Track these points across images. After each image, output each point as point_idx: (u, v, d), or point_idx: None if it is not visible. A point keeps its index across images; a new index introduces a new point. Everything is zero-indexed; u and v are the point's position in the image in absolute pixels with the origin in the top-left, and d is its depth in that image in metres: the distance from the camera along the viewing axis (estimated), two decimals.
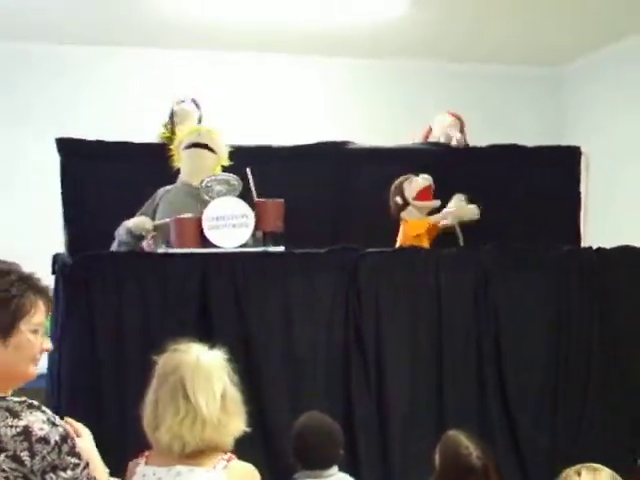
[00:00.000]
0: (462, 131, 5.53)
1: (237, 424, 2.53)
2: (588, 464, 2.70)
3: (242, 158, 4.48)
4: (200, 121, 5.12)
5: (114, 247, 4.33)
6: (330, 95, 7.43)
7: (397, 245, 4.75)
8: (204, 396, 2.48)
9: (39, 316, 2.21)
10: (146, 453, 2.58)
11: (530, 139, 5.60)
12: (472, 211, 4.88)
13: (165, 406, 2.52)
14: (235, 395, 2.57)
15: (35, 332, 2.20)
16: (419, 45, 7.13)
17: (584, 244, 5.24)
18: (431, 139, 5.60)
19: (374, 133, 5.79)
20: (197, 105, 5.17)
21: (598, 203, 5.77)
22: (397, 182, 4.88)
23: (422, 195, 4.84)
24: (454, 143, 5.40)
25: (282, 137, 5.50)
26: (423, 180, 4.86)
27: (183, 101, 5.18)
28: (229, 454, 2.54)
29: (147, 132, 5.14)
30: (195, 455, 2.48)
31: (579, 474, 2.62)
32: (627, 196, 6.92)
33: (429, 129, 5.58)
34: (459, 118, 5.56)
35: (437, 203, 4.86)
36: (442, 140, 5.50)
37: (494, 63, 7.63)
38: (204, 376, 2.52)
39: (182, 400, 2.49)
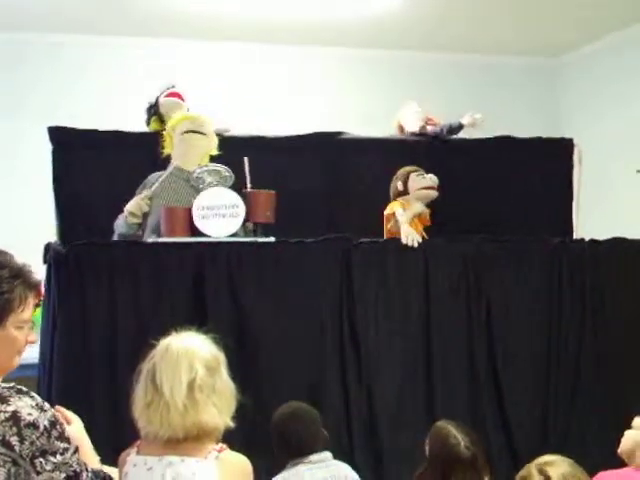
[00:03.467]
0: (425, 117, 5.51)
1: (211, 415, 2.47)
2: (545, 459, 2.70)
3: (237, 148, 4.47)
4: (188, 109, 5.09)
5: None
6: (327, 86, 7.42)
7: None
8: (169, 380, 2.47)
9: (27, 312, 2.19)
10: (138, 442, 2.57)
11: (525, 131, 5.60)
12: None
13: (138, 391, 2.54)
14: (210, 386, 2.50)
15: (20, 328, 2.18)
16: (415, 37, 7.13)
17: (576, 236, 5.24)
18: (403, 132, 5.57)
19: (370, 124, 5.77)
20: (182, 99, 5.12)
21: (591, 195, 5.78)
22: (405, 170, 4.90)
23: None
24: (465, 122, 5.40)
25: (277, 127, 5.49)
26: (431, 181, 4.89)
27: (169, 89, 5.11)
28: (220, 445, 2.53)
29: (143, 121, 5.14)
30: (183, 444, 2.47)
31: (546, 476, 2.62)
32: (620, 188, 6.93)
33: (399, 125, 5.55)
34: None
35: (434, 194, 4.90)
36: (411, 131, 5.48)
37: (490, 55, 7.63)
38: (172, 361, 2.51)
39: (150, 384, 2.51)
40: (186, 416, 2.44)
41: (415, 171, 4.90)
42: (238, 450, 2.60)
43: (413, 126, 5.42)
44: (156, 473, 2.46)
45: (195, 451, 2.47)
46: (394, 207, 4.76)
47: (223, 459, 2.48)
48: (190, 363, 2.51)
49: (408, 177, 4.89)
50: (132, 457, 2.53)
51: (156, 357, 2.54)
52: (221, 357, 2.62)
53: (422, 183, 4.87)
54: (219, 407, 2.50)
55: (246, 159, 4.20)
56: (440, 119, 5.57)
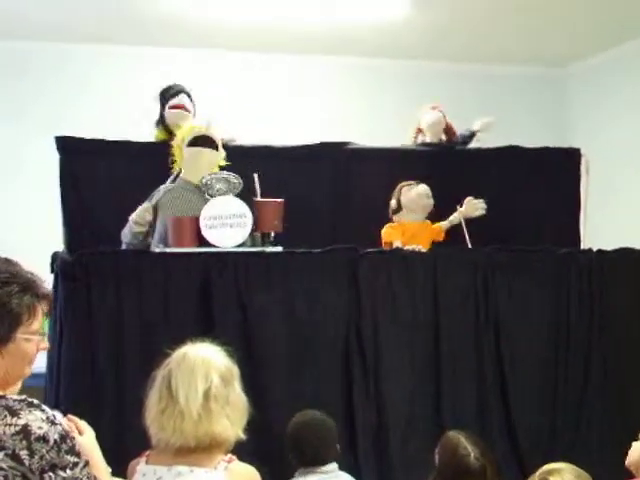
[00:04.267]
0: (446, 124, 5.51)
1: (223, 426, 2.48)
2: (549, 467, 2.69)
3: (243, 157, 4.48)
4: (195, 114, 5.09)
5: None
6: (331, 95, 7.43)
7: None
8: (184, 389, 2.48)
9: (36, 324, 2.19)
10: (147, 452, 2.57)
11: (532, 140, 5.59)
12: (476, 206, 4.94)
13: (152, 397, 2.55)
14: (224, 397, 2.51)
15: (30, 340, 2.18)
16: (421, 45, 7.13)
17: (584, 246, 5.23)
18: (420, 138, 5.57)
19: (375, 133, 5.78)
20: (190, 97, 5.09)
21: (598, 205, 5.77)
22: (398, 186, 4.91)
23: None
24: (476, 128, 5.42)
25: (283, 136, 5.50)
26: (422, 190, 4.89)
27: (173, 95, 5.07)
28: (229, 455, 2.52)
29: (147, 131, 5.14)
30: (193, 454, 2.47)
31: None
32: (628, 198, 6.92)
33: (418, 129, 5.56)
34: (441, 111, 5.54)
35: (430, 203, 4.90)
36: (429, 139, 5.48)
37: (496, 64, 7.63)
38: (188, 370, 2.52)
39: (165, 391, 2.52)
40: (199, 425, 2.44)
41: (406, 185, 4.91)
42: (244, 460, 2.59)
43: (433, 137, 5.44)
44: None
45: (204, 461, 2.47)
46: (388, 236, 4.81)
47: (232, 470, 2.48)
48: (206, 372, 2.52)
49: (400, 192, 4.91)
50: (141, 466, 2.53)
51: (172, 364, 2.55)
52: (235, 370, 2.63)
53: (412, 194, 4.87)
54: (232, 419, 2.51)
55: (256, 175, 4.20)
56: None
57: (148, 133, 5.10)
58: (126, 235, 4.33)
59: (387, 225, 4.91)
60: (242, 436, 2.55)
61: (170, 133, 4.80)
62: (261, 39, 6.82)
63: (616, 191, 6.87)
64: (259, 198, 4.19)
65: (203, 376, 2.50)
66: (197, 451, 2.46)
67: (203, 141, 4.38)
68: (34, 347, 2.20)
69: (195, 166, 4.36)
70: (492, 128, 5.44)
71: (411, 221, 4.89)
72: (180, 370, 2.53)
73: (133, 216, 4.29)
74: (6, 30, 6.42)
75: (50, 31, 6.52)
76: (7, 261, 2.22)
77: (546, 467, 2.70)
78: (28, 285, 2.18)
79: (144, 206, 4.30)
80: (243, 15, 6.32)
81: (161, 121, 4.99)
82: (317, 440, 3.29)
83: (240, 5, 6.13)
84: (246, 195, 4.18)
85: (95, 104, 6.78)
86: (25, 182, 6.48)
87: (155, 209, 4.36)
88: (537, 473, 2.69)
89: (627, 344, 4.56)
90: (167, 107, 4.92)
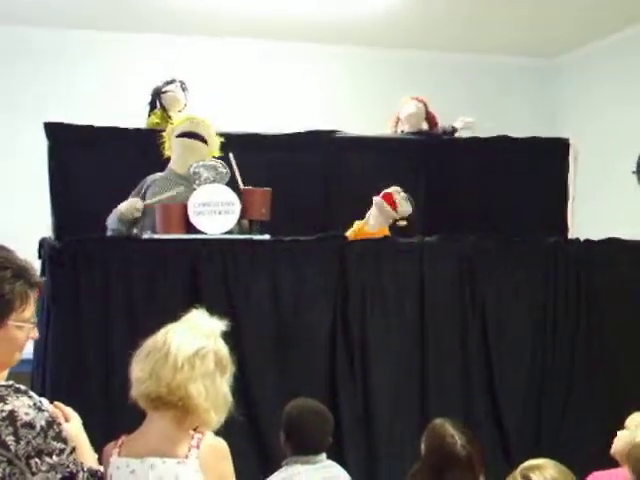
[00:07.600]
0: (428, 114, 5.52)
1: (198, 391, 2.43)
2: (531, 463, 2.69)
3: (232, 145, 4.47)
4: (185, 105, 5.13)
5: None
6: (324, 83, 7.42)
7: None
8: (180, 338, 2.48)
9: (28, 311, 2.19)
10: (119, 442, 2.52)
11: (522, 130, 5.61)
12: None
13: (144, 344, 2.53)
14: (210, 372, 2.48)
15: (21, 327, 2.18)
16: (413, 35, 7.14)
17: (571, 236, 5.24)
18: (400, 128, 5.57)
19: (367, 122, 5.78)
20: (184, 88, 5.16)
21: (586, 195, 5.78)
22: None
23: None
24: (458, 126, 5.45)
25: (275, 124, 5.50)
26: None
27: (169, 83, 5.16)
28: (197, 437, 2.46)
29: (142, 117, 5.15)
30: (162, 418, 2.45)
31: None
32: (615, 189, 6.94)
33: (397, 119, 5.56)
34: (423, 102, 5.54)
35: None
36: (407, 129, 5.48)
37: (487, 54, 7.64)
38: (192, 326, 2.54)
39: (161, 338, 2.50)
40: (177, 376, 2.41)
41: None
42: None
43: (411, 127, 5.43)
44: (139, 476, 2.44)
45: (175, 449, 2.44)
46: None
47: (202, 457, 2.44)
48: (208, 335, 2.52)
49: None
50: (114, 459, 2.47)
51: (179, 322, 2.56)
52: (231, 368, 2.59)
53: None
54: (210, 396, 2.46)
55: (231, 155, 4.19)
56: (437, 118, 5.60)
57: (144, 118, 5.12)
58: (112, 223, 4.30)
59: None
60: (213, 424, 2.51)
61: (166, 116, 4.86)
62: (256, 27, 6.82)
63: (604, 181, 6.89)
64: (239, 178, 4.18)
65: (204, 336, 2.51)
66: (166, 407, 2.43)
67: (192, 133, 4.37)
68: (24, 335, 2.20)
69: (182, 157, 4.36)
70: (473, 128, 5.47)
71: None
72: (184, 324, 2.54)
73: (121, 209, 4.26)
74: (3, 14, 6.38)
75: (47, 16, 6.48)
76: (1, 247, 2.22)
77: (527, 463, 2.70)
78: (21, 272, 2.18)
79: (132, 202, 4.27)
80: (239, 3, 6.31)
81: (158, 104, 5.05)
82: (318, 429, 3.30)
83: None
84: (231, 180, 4.17)
85: (91, 91, 6.76)
86: (16, 168, 6.44)
87: (143, 199, 4.34)
88: (518, 469, 2.69)
89: (613, 335, 4.57)
90: (162, 92, 5.01)
